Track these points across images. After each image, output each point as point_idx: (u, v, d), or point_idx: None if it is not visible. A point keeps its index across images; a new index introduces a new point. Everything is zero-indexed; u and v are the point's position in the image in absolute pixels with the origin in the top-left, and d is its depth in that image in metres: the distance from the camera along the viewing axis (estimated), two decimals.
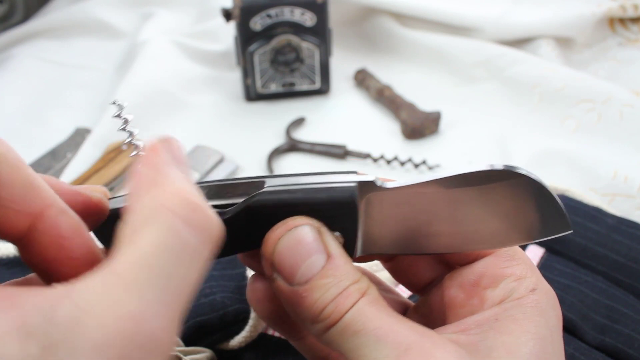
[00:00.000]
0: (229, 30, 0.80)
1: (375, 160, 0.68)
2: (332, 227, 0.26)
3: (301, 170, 0.36)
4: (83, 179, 0.64)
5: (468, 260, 0.28)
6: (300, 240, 0.25)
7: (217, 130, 0.74)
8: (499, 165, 0.25)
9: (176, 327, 0.18)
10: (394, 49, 0.88)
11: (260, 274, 0.30)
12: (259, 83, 0.77)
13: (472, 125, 0.73)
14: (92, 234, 0.25)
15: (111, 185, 0.64)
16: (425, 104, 0.74)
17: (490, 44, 0.81)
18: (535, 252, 0.47)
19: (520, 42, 0.84)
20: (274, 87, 0.78)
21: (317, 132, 0.74)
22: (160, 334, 0.17)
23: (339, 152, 0.69)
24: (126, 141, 0.26)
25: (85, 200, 0.25)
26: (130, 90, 0.77)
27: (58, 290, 0.17)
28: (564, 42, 0.84)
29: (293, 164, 0.70)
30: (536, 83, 0.74)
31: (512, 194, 0.26)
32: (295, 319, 0.26)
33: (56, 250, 0.22)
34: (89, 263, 0.23)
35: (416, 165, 0.66)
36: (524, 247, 0.32)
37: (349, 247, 0.26)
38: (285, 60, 0.75)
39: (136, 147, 0.26)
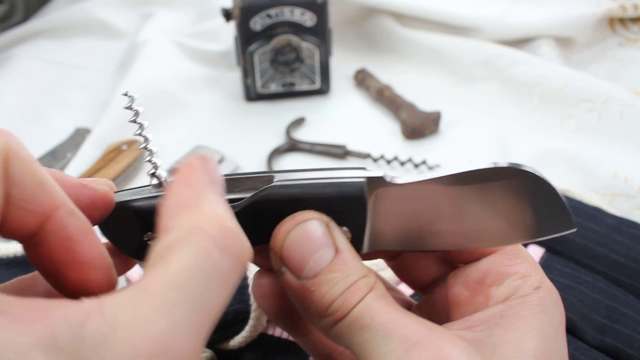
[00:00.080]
0: (229, 30, 0.80)
1: (375, 160, 0.68)
2: (340, 223, 0.26)
3: None
4: None
5: (472, 258, 0.28)
6: (309, 234, 0.25)
7: (217, 130, 0.74)
8: (503, 162, 0.26)
9: (202, 348, 0.18)
10: (394, 49, 0.88)
11: (266, 269, 0.30)
12: (259, 83, 0.77)
13: (472, 125, 0.73)
14: (97, 227, 0.25)
15: None
16: (425, 104, 0.74)
17: (490, 44, 0.81)
18: (535, 252, 0.47)
19: (520, 42, 0.84)
20: (274, 87, 0.78)
21: (317, 132, 0.74)
22: (187, 355, 0.18)
23: (339, 152, 0.69)
24: (136, 132, 0.26)
25: (91, 193, 0.25)
26: (130, 90, 0.76)
27: (88, 305, 0.17)
28: (564, 42, 0.84)
29: (293, 164, 0.70)
30: (536, 83, 0.74)
31: (517, 191, 0.26)
32: (303, 313, 0.26)
33: (64, 253, 0.22)
34: (96, 266, 0.23)
35: (416, 165, 0.66)
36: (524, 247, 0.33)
37: (356, 243, 0.26)
38: (285, 60, 0.75)
39: (145, 139, 0.26)
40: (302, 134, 0.74)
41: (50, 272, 0.23)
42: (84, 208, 0.24)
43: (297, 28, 0.74)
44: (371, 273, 0.25)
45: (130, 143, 0.68)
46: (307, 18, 0.74)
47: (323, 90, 0.79)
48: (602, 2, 0.84)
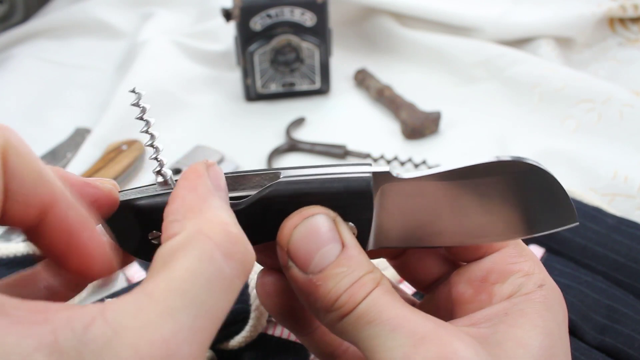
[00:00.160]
0: (229, 30, 0.80)
1: (375, 160, 0.68)
2: (346, 218, 0.26)
3: None
4: None
5: (475, 256, 0.28)
6: (316, 229, 0.25)
7: (217, 130, 0.74)
8: (506, 156, 0.26)
9: (205, 353, 0.19)
10: (394, 49, 0.88)
11: (269, 268, 0.30)
12: (259, 83, 0.77)
13: (472, 125, 0.73)
14: (101, 226, 0.25)
15: None
16: (425, 104, 0.74)
17: (490, 44, 0.81)
18: (535, 252, 0.47)
19: (520, 42, 0.84)
20: (274, 87, 0.78)
21: (317, 132, 0.74)
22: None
23: (339, 152, 0.69)
24: (142, 129, 0.26)
25: (94, 191, 0.25)
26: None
27: (91, 309, 0.17)
28: (564, 42, 0.84)
29: (293, 164, 0.69)
30: (536, 83, 0.74)
31: (521, 184, 0.26)
32: (309, 308, 0.26)
33: (65, 244, 0.22)
34: (96, 257, 0.23)
35: (416, 166, 0.66)
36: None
37: (362, 239, 0.26)
38: (285, 60, 0.75)
39: (152, 136, 0.26)
40: (302, 134, 0.74)
41: (52, 259, 0.23)
42: (88, 206, 0.24)
43: (297, 28, 0.74)
44: (377, 269, 0.25)
45: (130, 143, 0.68)
46: (307, 18, 0.74)
47: (323, 90, 0.79)
48: (602, 2, 0.84)
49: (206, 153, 0.68)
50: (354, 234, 0.26)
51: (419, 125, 0.71)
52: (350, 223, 0.26)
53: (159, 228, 0.25)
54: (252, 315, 0.41)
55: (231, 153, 0.69)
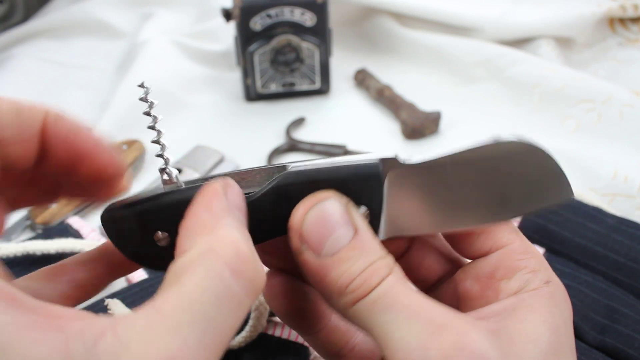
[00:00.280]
0: (229, 30, 0.80)
1: None
2: (357, 204, 0.26)
3: None
4: None
5: (481, 252, 0.29)
6: (329, 212, 0.25)
7: (217, 130, 0.74)
8: (507, 136, 0.27)
9: None
10: (394, 49, 0.88)
11: (276, 270, 0.30)
12: (259, 83, 0.77)
13: (472, 125, 0.73)
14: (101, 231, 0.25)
15: None
16: (425, 104, 0.74)
17: (490, 44, 0.81)
18: None
19: (520, 42, 0.84)
20: (274, 87, 0.78)
21: (317, 132, 0.74)
22: None
23: (339, 152, 0.69)
24: (149, 125, 0.26)
25: (109, 157, 0.25)
26: (130, 90, 0.77)
27: (103, 322, 0.18)
28: (564, 42, 0.84)
29: None
30: (536, 83, 0.74)
31: (520, 163, 0.27)
32: (321, 293, 0.26)
33: (67, 153, 0.24)
34: (100, 152, 0.25)
35: None
36: None
37: (373, 226, 0.27)
38: (285, 60, 0.75)
39: (158, 132, 0.26)
40: (302, 134, 0.74)
41: (69, 179, 0.25)
42: (98, 171, 0.25)
43: (297, 28, 0.74)
44: (390, 256, 0.26)
45: (130, 143, 0.68)
46: (307, 18, 0.74)
47: (323, 90, 0.79)
48: (602, 2, 0.84)
49: (206, 153, 0.68)
50: (365, 219, 0.26)
51: (419, 125, 0.71)
52: (362, 208, 0.27)
53: (165, 228, 0.25)
54: (252, 315, 0.41)
55: (231, 153, 0.69)
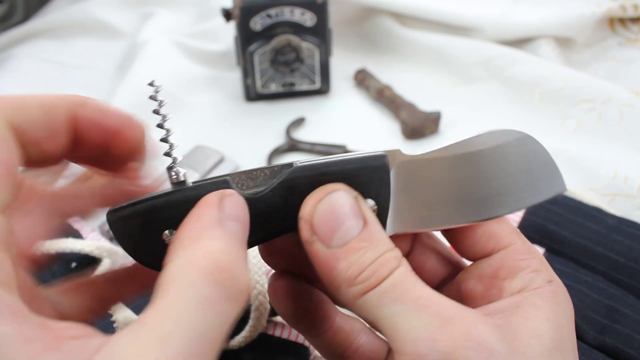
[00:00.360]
0: (229, 30, 0.80)
1: None
2: (365, 197, 0.27)
3: None
4: (84, 178, 0.64)
5: (484, 253, 0.29)
6: (340, 203, 0.26)
7: (217, 130, 0.74)
8: (499, 129, 0.28)
9: None
10: (394, 49, 0.88)
11: (282, 271, 0.31)
12: (259, 83, 0.77)
13: (472, 125, 0.73)
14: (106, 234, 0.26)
15: None
16: (425, 104, 0.74)
17: (490, 44, 0.81)
18: None
19: (520, 42, 0.84)
20: (274, 87, 0.78)
21: (317, 132, 0.74)
22: None
23: (339, 152, 0.69)
24: (158, 123, 0.26)
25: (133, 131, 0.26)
26: (130, 90, 0.77)
27: (96, 341, 0.19)
28: (564, 42, 0.84)
29: None
30: (536, 83, 0.74)
31: (516, 155, 0.28)
32: (329, 285, 0.26)
33: (97, 134, 0.24)
34: (127, 127, 0.25)
35: None
36: None
37: (380, 220, 0.27)
38: (285, 60, 0.75)
39: (167, 131, 0.26)
40: (302, 134, 0.74)
41: (104, 158, 0.26)
42: (130, 145, 0.26)
43: (297, 28, 0.74)
44: (397, 249, 0.26)
45: None
46: (307, 18, 0.74)
47: (323, 90, 0.79)
48: (602, 2, 0.84)
49: (206, 153, 0.68)
50: (373, 211, 0.27)
51: (419, 125, 0.71)
52: (369, 201, 0.27)
53: (172, 227, 0.25)
54: (252, 315, 0.41)
55: (231, 153, 0.69)
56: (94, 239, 0.53)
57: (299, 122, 0.75)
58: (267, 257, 0.30)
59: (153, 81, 0.26)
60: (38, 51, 0.91)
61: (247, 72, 0.76)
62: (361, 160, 0.27)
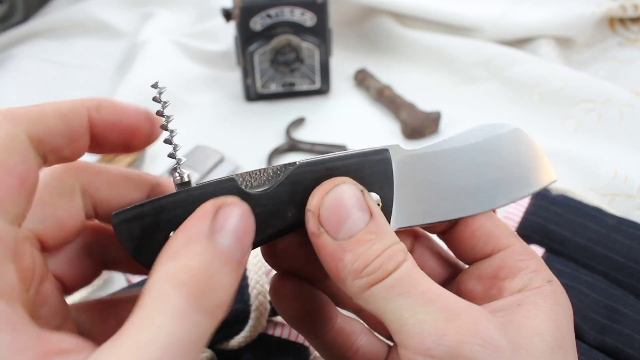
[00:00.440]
0: (229, 30, 0.80)
1: None
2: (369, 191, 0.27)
3: None
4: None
5: (482, 255, 0.29)
6: (347, 195, 0.26)
7: (217, 130, 0.74)
8: (489, 123, 0.29)
9: None
10: (394, 49, 0.88)
11: (284, 272, 0.31)
12: (259, 83, 0.77)
13: (472, 125, 0.73)
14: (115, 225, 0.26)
15: None
16: (425, 104, 0.74)
17: (490, 44, 0.81)
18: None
19: (520, 42, 0.84)
20: (274, 87, 0.78)
21: (317, 132, 0.74)
22: None
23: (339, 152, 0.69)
24: (162, 124, 0.26)
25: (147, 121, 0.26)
26: (130, 90, 0.77)
27: (86, 353, 0.19)
28: (564, 42, 0.84)
29: None
30: (536, 83, 0.74)
31: (506, 147, 0.29)
32: (335, 277, 0.26)
33: (118, 134, 0.25)
34: (148, 127, 0.26)
35: None
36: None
37: (385, 214, 0.27)
38: (285, 60, 0.75)
39: (171, 132, 0.26)
40: (302, 134, 0.74)
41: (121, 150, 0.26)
42: (147, 139, 0.26)
43: (297, 28, 0.74)
44: (402, 243, 0.26)
45: None
46: (307, 18, 0.74)
47: (323, 90, 0.79)
48: (602, 2, 0.84)
49: (206, 153, 0.68)
50: (378, 205, 0.27)
51: (419, 125, 0.71)
52: (374, 195, 0.27)
53: (177, 229, 0.25)
54: (252, 315, 0.41)
55: (231, 153, 0.69)
56: None
57: (299, 122, 0.75)
58: (269, 258, 0.30)
59: (157, 82, 0.26)
60: (38, 51, 0.91)
61: (247, 72, 0.76)
62: (364, 155, 0.27)
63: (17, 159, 0.21)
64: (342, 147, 0.69)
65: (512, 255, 0.28)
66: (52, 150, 0.23)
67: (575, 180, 0.62)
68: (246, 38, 0.74)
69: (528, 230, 0.50)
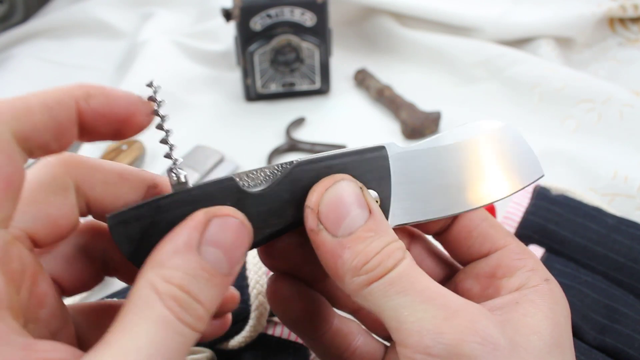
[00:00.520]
0: (229, 30, 0.80)
1: None
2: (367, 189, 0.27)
3: None
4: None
5: (479, 255, 0.29)
6: (347, 192, 0.26)
7: (217, 130, 0.74)
8: (480, 121, 0.30)
9: None
10: (394, 49, 0.88)
11: (281, 273, 0.30)
12: (259, 83, 0.77)
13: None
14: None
15: None
16: (425, 104, 0.74)
17: (490, 44, 0.81)
18: (535, 252, 0.47)
19: (520, 42, 0.84)
20: (274, 87, 0.78)
21: (317, 132, 0.74)
22: None
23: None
24: (157, 124, 0.25)
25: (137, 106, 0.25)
26: (130, 90, 0.76)
27: None
28: (564, 42, 0.84)
29: None
30: (536, 83, 0.74)
31: (496, 143, 0.29)
32: (333, 275, 0.26)
33: (108, 123, 0.24)
34: (140, 115, 0.25)
35: None
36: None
37: (383, 211, 0.27)
38: (285, 60, 0.75)
39: (167, 132, 0.25)
40: (302, 134, 0.74)
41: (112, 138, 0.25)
42: (138, 126, 0.25)
43: (297, 28, 0.74)
44: (401, 240, 0.26)
45: (130, 143, 0.68)
46: (307, 18, 0.74)
47: (323, 90, 0.79)
48: (602, 2, 0.84)
49: (206, 153, 0.68)
50: (376, 202, 0.27)
51: (419, 125, 0.71)
52: (372, 192, 0.27)
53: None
54: (252, 315, 0.41)
55: (231, 153, 0.69)
56: None
57: (299, 122, 0.75)
58: (266, 259, 0.30)
59: (152, 81, 0.25)
60: (38, 51, 0.91)
61: (247, 72, 0.76)
62: (362, 152, 0.27)
63: (2, 159, 0.20)
64: (342, 147, 0.69)
65: (509, 255, 0.28)
66: (38, 147, 0.22)
67: (575, 180, 0.62)
68: (246, 38, 0.74)
69: (528, 230, 0.50)
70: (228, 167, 0.67)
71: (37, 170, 0.24)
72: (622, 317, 0.42)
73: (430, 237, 0.32)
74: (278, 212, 0.26)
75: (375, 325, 0.33)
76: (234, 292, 0.31)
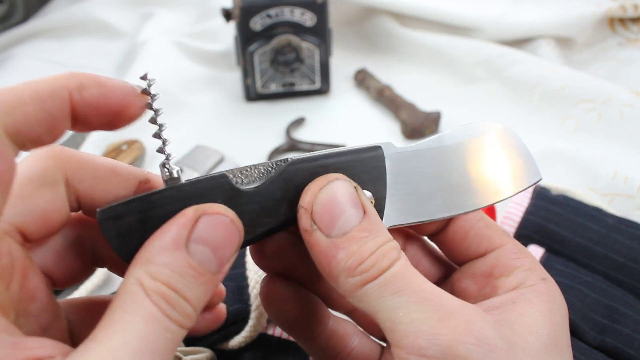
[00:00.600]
0: (229, 30, 0.80)
1: None
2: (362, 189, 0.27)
3: None
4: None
5: (476, 255, 0.29)
6: (341, 192, 0.25)
7: (217, 130, 0.74)
8: (478, 122, 0.29)
9: None
10: (394, 49, 0.88)
11: (273, 275, 0.30)
12: (259, 83, 0.77)
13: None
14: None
15: None
16: (425, 104, 0.74)
17: (490, 44, 0.81)
18: (535, 252, 0.47)
19: (520, 42, 0.84)
20: (274, 87, 0.78)
21: (317, 132, 0.74)
22: None
23: None
24: (150, 118, 0.25)
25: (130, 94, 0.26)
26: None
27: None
28: (564, 42, 0.84)
29: None
30: (536, 83, 0.74)
31: (494, 145, 0.29)
32: (328, 276, 0.26)
33: (101, 114, 0.24)
34: (134, 106, 0.25)
35: None
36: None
37: (378, 211, 0.27)
38: (285, 60, 0.75)
39: (160, 126, 0.25)
40: (302, 134, 0.74)
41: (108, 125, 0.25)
42: (132, 116, 0.25)
43: (297, 28, 0.74)
44: (395, 241, 0.26)
45: (130, 143, 0.68)
46: (307, 18, 0.74)
47: (323, 90, 0.79)
48: (602, 2, 0.84)
49: (206, 153, 0.68)
50: (371, 202, 0.27)
51: (419, 125, 0.71)
52: (367, 192, 0.27)
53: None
54: (252, 315, 0.41)
55: (231, 153, 0.69)
56: None
57: (299, 122, 0.75)
58: (258, 259, 0.30)
59: (146, 74, 0.25)
60: (38, 51, 0.91)
61: (247, 72, 0.76)
62: (357, 152, 0.27)
63: None
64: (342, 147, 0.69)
65: (506, 254, 0.28)
66: (30, 140, 0.21)
67: (575, 180, 0.62)
68: (246, 38, 0.74)
69: (528, 230, 0.49)
70: (228, 167, 0.67)
71: (27, 164, 0.24)
72: (622, 317, 0.42)
73: (425, 238, 0.32)
74: (271, 211, 0.26)
75: (371, 325, 0.33)
76: (220, 288, 0.31)
